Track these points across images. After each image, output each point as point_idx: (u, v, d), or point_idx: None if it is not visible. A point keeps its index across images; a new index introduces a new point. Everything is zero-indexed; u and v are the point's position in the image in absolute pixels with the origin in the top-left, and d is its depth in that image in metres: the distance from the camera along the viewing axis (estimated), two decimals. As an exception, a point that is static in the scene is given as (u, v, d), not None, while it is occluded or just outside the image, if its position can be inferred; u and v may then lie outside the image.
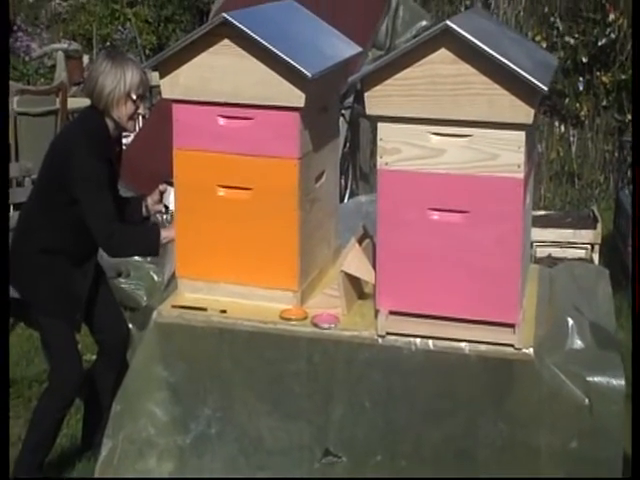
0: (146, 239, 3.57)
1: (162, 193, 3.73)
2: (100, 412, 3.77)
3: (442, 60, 2.72)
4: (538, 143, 8.03)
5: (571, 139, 8.58)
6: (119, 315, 3.93)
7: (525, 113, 2.68)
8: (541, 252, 5.56)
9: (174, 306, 3.09)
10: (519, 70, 2.62)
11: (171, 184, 3.59)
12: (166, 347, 3.08)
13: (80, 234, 3.57)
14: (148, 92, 10.14)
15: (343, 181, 6.44)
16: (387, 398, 2.90)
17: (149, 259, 5.90)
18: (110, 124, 3.63)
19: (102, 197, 3.53)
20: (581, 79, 8.91)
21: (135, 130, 3.84)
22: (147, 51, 13.62)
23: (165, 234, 3.51)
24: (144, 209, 3.76)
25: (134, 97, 3.58)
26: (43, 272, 3.66)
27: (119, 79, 3.56)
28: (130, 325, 3.85)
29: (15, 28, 12.26)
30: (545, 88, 2.62)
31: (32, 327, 4.70)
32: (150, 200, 3.75)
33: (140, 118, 8.33)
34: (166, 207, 3.75)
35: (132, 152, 6.49)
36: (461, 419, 2.86)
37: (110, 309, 3.88)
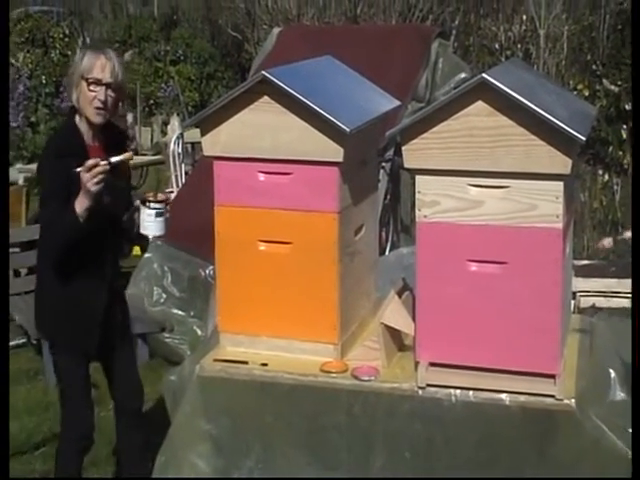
0: (63, 222, 3.47)
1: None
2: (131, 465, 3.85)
3: (479, 112, 2.74)
4: (581, 192, 8.01)
5: (615, 187, 8.54)
6: (136, 379, 3.97)
7: (563, 163, 2.69)
8: (585, 302, 5.52)
9: (216, 360, 3.11)
10: (556, 121, 2.63)
11: (143, 202, 3.55)
12: (209, 400, 3.10)
13: (72, 246, 3.55)
14: (191, 147, 10.21)
15: (384, 233, 6.45)
16: (428, 449, 2.89)
17: (192, 313, 5.95)
18: (84, 124, 3.64)
19: (48, 203, 3.54)
20: (624, 127, 8.88)
21: (100, 122, 3.66)
22: (190, 108, 13.82)
23: (77, 206, 3.42)
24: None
25: (91, 81, 3.57)
26: (48, 295, 3.71)
27: (77, 63, 3.61)
28: (172, 377, 3.88)
29: (61, 89, 12.50)
30: (583, 138, 2.63)
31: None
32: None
33: (184, 175, 8.47)
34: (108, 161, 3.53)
35: (176, 210, 6.57)
36: (502, 470, 2.83)
37: (129, 372, 3.92)
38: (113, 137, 3.77)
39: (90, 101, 3.58)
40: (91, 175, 3.40)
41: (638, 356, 2.70)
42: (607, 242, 3.06)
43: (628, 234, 3.12)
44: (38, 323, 3.85)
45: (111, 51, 3.70)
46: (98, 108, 3.60)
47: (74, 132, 3.64)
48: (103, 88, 3.59)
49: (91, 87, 3.57)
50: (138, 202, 3.57)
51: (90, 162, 3.41)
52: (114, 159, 3.45)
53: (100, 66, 3.58)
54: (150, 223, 3.52)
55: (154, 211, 3.47)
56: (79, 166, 3.44)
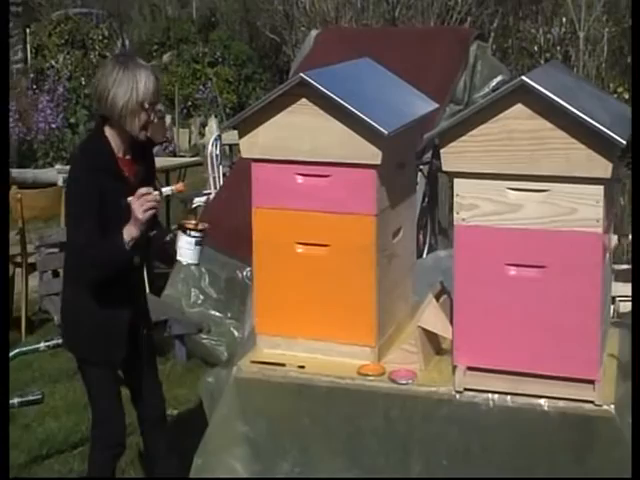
0: (111, 249, 3.43)
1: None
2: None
3: (518, 116, 2.73)
4: (620, 196, 7.93)
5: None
6: (159, 390, 3.95)
7: (603, 167, 2.67)
8: (624, 307, 5.46)
9: (253, 362, 3.11)
10: (596, 124, 2.61)
11: (180, 228, 3.52)
12: (246, 402, 3.10)
13: None
14: (228, 149, 10.26)
15: (422, 236, 6.44)
16: (465, 455, 2.87)
17: (229, 314, 5.97)
18: (116, 138, 3.52)
19: (81, 216, 3.43)
20: (665, 130, 8.78)
21: (145, 139, 3.60)
22: (227, 109, 13.88)
23: (126, 234, 3.38)
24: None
25: (147, 106, 3.45)
26: (76, 306, 3.65)
27: (132, 89, 3.40)
28: (210, 379, 3.89)
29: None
30: (623, 142, 2.61)
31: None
32: (168, 238, 3.63)
33: (222, 177, 8.50)
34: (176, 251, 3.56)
35: (214, 212, 6.60)
36: (541, 476, 2.82)
37: (151, 386, 3.90)
38: (140, 147, 3.67)
39: (144, 125, 3.49)
40: (141, 203, 3.37)
41: (638, 362, 2.67)
42: (613, 239, 3.02)
43: None
44: (66, 339, 3.84)
45: (141, 60, 3.59)
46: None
47: (104, 146, 3.53)
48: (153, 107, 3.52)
49: (149, 111, 3.48)
50: (176, 230, 3.56)
51: (141, 190, 3.37)
52: (165, 189, 3.44)
53: (156, 90, 3.48)
54: (188, 251, 3.49)
55: (193, 239, 3.45)
56: (110, 181, 3.44)
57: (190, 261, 3.54)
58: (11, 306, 6.64)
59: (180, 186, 3.50)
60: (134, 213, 3.37)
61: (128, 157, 3.62)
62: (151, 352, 3.93)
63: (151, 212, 3.40)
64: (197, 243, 3.48)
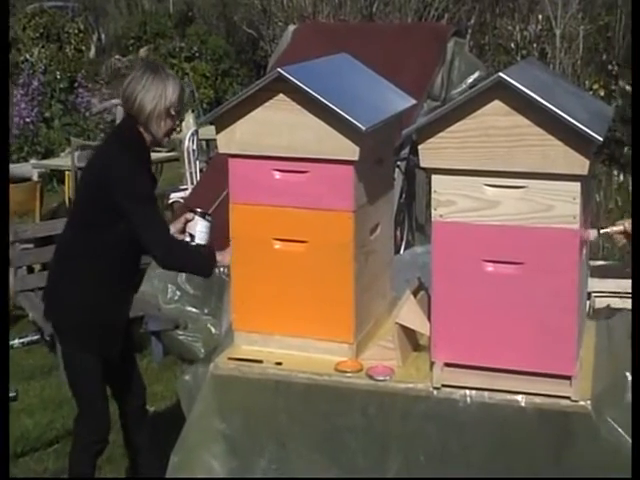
0: (202, 258, 3.56)
1: (188, 221, 3.65)
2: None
3: (496, 112, 2.73)
4: (596, 192, 7.98)
5: (630, 188, 8.51)
6: (140, 378, 3.97)
7: (580, 164, 2.67)
8: (600, 303, 5.48)
9: (230, 358, 3.11)
10: (573, 121, 2.61)
11: (197, 213, 3.58)
12: (223, 399, 3.09)
13: (120, 257, 3.57)
14: (205, 144, 10.24)
15: (399, 232, 6.45)
16: (442, 451, 2.88)
17: (206, 310, 5.95)
18: (147, 136, 3.61)
19: (154, 209, 3.53)
20: (640, 127, 8.83)
21: (167, 145, 3.80)
22: (204, 105, 13.83)
23: (220, 258, 3.49)
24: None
25: (173, 113, 3.57)
26: (82, 303, 3.63)
27: (160, 95, 3.54)
28: (187, 377, 3.88)
29: (76, 84, 12.53)
30: (600, 139, 2.61)
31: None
32: (173, 229, 3.67)
33: (198, 172, 8.47)
34: (191, 236, 3.67)
35: (191, 206, 6.56)
36: (518, 472, 2.82)
37: (135, 371, 3.93)
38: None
39: (169, 130, 3.62)
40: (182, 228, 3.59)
41: (639, 357, 2.68)
42: (592, 232, 3.04)
43: (614, 228, 3.11)
44: (61, 327, 3.78)
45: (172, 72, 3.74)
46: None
47: (145, 144, 3.62)
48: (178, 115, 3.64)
49: (174, 118, 3.61)
50: (192, 214, 3.62)
51: (188, 217, 3.62)
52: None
53: (182, 98, 3.63)
54: (205, 234, 3.55)
55: (209, 224, 3.52)
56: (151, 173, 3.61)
57: (204, 243, 3.61)
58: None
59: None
60: (225, 256, 3.43)
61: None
62: (131, 340, 4.00)
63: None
64: (212, 227, 3.55)
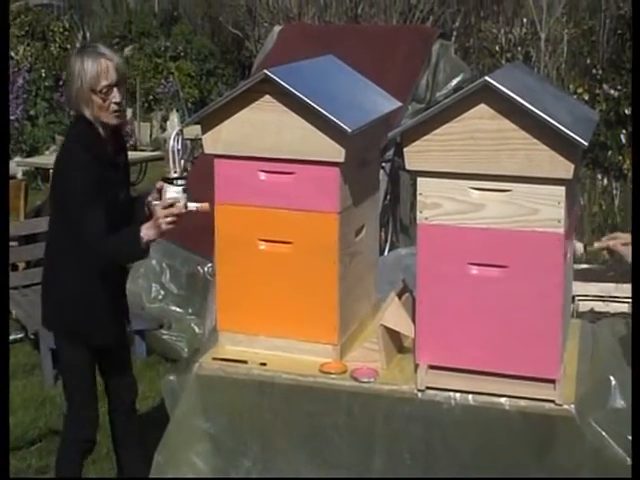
0: (129, 244, 3.45)
1: (160, 190, 3.52)
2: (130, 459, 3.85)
3: (481, 115, 2.74)
4: (580, 196, 8.01)
5: (614, 192, 8.53)
6: (132, 374, 3.96)
7: (565, 168, 2.69)
8: (583, 306, 5.51)
9: (215, 358, 3.11)
10: (559, 125, 2.62)
11: (166, 180, 3.52)
12: (207, 399, 3.09)
13: None
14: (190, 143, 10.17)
15: (383, 234, 6.44)
16: (427, 452, 2.88)
17: (190, 310, 5.94)
18: (97, 126, 3.53)
19: (90, 205, 3.44)
20: (624, 131, 8.86)
21: (119, 122, 3.60)
22: (189, 104, 13.82)
23: (144, 233, 3.38)
24: (146, 208, 3.62)
25: (98, 89, 3.46)
26: (72, 297, 3.65)
27: (78, 76, 3.46)
28: (172, 377, 3.88)
29: (61, 82, 12.49)
30: (585, 143, 2.63)
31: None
32: (150, 198, 3.60)
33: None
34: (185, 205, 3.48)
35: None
36: (501, 474, 2.83)
37: (127, 367, 3.92)
38: (119, 138, 3.70)
39: (107, 108, 3.50)
40: (166, 214, 3.36)
41: (638, 360, 2.69)
42: (578, 247, 3.06)
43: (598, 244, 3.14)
44: (49, 319, 3.77)
45: (103, 47, 3.59)
46: (116, 111, 3.53)
47: (96, 139, 3.54)
48: (115, 89, 3.50)
49: (103, 95, 3.48)
50: (162, 183, 3.52)
51: (169, 200, 3.37)
52: (191, 205, 3.42)
53: (105, 71, 3.48)
54: (179, 198, 3.46)
55: (180, 188, 3.41)
56: (105, 170, 3.47)
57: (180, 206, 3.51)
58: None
59: (206, 205, 3.47)
60: (158, 221, 3.36)
61: (110, 147, 3.63)
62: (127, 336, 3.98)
63: (173, 225, 3.38)
64: (184, 191, 3.46)
